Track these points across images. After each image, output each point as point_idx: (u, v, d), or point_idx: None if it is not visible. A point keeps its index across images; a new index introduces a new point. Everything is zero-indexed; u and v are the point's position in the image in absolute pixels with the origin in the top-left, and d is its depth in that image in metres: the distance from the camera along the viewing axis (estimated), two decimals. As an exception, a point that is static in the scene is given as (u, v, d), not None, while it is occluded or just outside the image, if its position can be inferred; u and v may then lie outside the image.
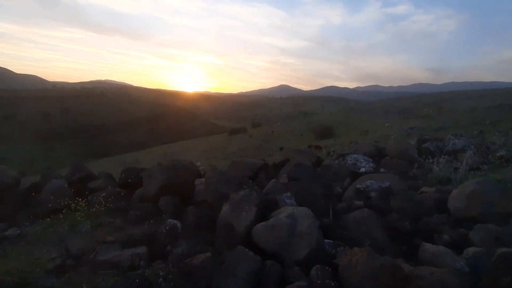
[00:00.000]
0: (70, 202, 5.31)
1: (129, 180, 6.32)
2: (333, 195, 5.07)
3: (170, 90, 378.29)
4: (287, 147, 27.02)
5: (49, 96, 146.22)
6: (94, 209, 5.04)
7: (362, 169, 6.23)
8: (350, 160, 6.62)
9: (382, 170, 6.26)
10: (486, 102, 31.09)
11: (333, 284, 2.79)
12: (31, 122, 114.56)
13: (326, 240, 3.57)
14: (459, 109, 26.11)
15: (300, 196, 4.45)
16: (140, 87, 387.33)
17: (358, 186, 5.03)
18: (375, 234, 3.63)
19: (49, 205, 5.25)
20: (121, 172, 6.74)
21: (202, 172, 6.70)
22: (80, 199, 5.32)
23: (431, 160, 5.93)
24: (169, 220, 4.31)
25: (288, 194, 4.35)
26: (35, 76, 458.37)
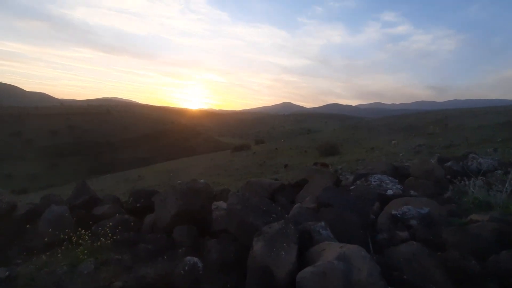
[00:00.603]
0: (71, 234, 4.69)
1: (138, 205, 5.74)
2: (370, 224, 4.39)
3: (175, 107, 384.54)
4: (292, 164, 26.74)
5: (56, 114, 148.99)
6: (99, 243, 4.47)
7: (389, 191, 5.48)
8: (375, 181, 5.84)
9: (412, 192, 5.45)
10: (492, 119, 30.82)
11: None
12: (37, 139, 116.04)
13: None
14: (466, 126, 25.84)
15: (335, 226, 3.85)
16: (146, 104, 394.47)
17: (394, 213, 4.31)
18: (433, 276, 2.94)
19: (45, 239, 4.57)
20: (129, 195, 6.03)
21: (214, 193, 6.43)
22: (83, 230, 4.74)
23: (466, 182, 5.27)
24: (188, 258, 3.69)
25: (323, 223, 3.75)
26: (44, 94, 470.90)
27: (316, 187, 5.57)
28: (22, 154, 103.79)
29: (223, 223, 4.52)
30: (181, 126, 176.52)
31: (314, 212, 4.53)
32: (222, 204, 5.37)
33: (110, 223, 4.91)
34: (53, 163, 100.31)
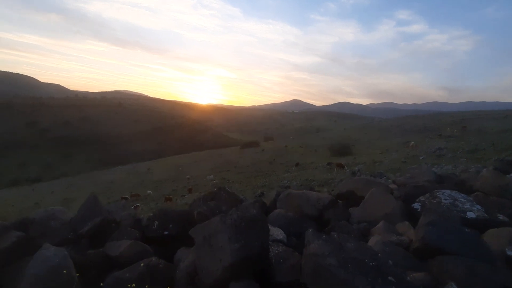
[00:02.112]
0: None
1: (166, 232, 4.35)
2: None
3: (184, 102, 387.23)
4: (303, 163, 26.52)
5: (70, 105, 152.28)
6: None
7: (470, 214, 4.12)
8: (445, 199, 4.48)
9: (501, 217, 4.11)
10: (513, 123, 29.69)
11: None
12: (52, 129, 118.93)
13: None
14: (488, 130, 24.95)
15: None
16: (156, 98, 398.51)
17: (510, 254, 3.07)
18: None
19: None
20: (153, 217, 4.56)
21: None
22: None
23: None
24: None
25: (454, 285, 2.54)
26: (59, 85, 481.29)
27: (377, 205, 4.40)
28: (37, 143, 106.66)
29: (290, 272, 3.11)
30: (191, 120, 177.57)
31: (414, 256, 3.21)
32: (276, 232, 3.86)
33: (132, 278, 3.28)
34: (66, 153, 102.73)
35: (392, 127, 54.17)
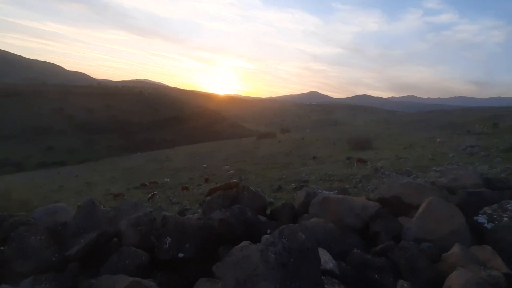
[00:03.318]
0: None
1: (181, 255, 3.34)
2: None
3: (202, 92, 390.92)
4: (320, 156, 26.01)
5: (93, 93, 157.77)
6: None
7: None
8: None
9: None
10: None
11: None
12: (76, 116, 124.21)
13: None
14: (523, 127, 23.22)
15: None
16: (175, 87, 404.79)
17: None
18: None
19: None
20: (164, 231, 3.57)
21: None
22: None
23: None
24: None
25: None
26: (83, 73, 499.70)
27: (438, 218, 3.48)
28: (63, 129, 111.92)
29: None
30: (208, 110, 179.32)
31: None
32: (322, 256, 2.82)
33: None
34: (89, 139, 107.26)
35: (415, 121, 51.88)
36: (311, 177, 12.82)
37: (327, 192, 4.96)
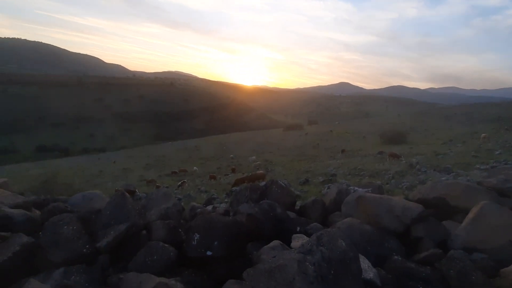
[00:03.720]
0: None
1: (210, 253, 3.16)
2: None
3: (230, 83, 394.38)
4: (350, 150, 25.19)
5: (129, 84, 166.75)
6: None
7: None
8: None
9: None
10: None
11: None
12: (114, 106, 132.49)
13: None
14: None
15: None
16: (204, 78, 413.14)
17: None
18: None
19: None
20: (193, 226, 3.36)
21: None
22: None
23: None
24: None
25: None
26: (119, 66, 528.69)
27: (494, 226, 3.11)
28: (102, 118, 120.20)
29: None
30: (236, 101, 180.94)
31: None
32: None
33: None
34: (125, 128, 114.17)
35: (456, 115, 47.96)
36: (339, 171, 12.47)
37: (361, 189, 4.66)
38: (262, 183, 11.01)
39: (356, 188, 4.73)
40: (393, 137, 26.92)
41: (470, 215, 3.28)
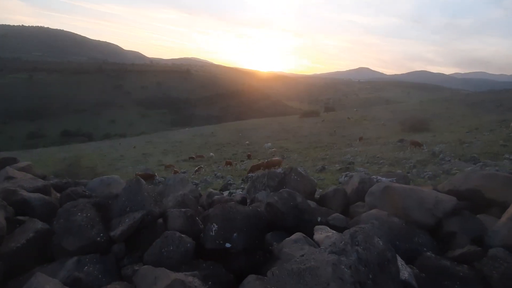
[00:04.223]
0: None
1: (228, 245, 2.98)
2: None
3: (246, 69, 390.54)
4: (368, 137, 24.54)
5: (147, 71, 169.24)
6: None
7: None
8: None
9: None
10: None
11: None
12: (133, 92, 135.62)
13: None
14: None
15: None
16: (220, 65, 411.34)
17: None
18: None
19: None
20: (212, 215, 3.22)
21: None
22: None
23: None
24: None
25: None
26: (138, 52, 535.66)
27: None
28: (122, 104, 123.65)
29: None
30: (251, 88, 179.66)
31: None
32: None
33: None
34: (144, 114, 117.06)
35: (484, 101, 45.15)
36: (357, 159, 12.20)
37: (385, 179, 4.37)
38: (279, 170, 10.93)
39: (380, 177, 4.45)
40: (415, 125, 25.84)
41: (511, 209, 2.95)
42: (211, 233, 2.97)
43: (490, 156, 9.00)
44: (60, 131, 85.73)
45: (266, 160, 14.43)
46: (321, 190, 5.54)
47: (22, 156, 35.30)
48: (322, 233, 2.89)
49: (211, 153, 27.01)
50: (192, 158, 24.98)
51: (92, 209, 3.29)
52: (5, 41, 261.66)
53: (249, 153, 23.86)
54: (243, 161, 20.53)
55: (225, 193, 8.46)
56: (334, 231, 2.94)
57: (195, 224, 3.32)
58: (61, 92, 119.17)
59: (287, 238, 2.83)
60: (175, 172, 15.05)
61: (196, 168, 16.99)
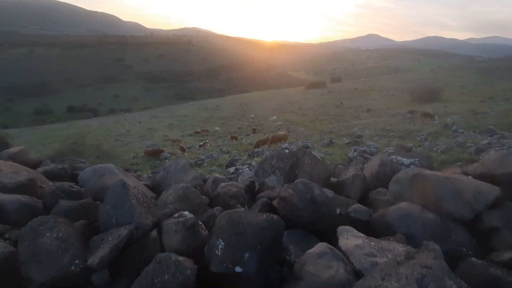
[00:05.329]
0: None
1: (239, 269, 2.37)
2: None
3: (249, 39, 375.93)
4: (376, 109, 23.94)
5: (148, 43, 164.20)
6: None
7: None
8: None
9: None
10: None
11: None
12: (135, 66, 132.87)
13: None
14: None
15: None
16: (222, 35, 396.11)
17: None
18: None
19: None
20: (216, 227, 2.67)
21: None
22: None
23: None
24: None
25: None
26: (137, 23, 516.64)
27: None
28: (125, 78, 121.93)
29: None
30: (255, 58, 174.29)
31: None
32: None
33: None
34: (147, 88, 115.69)
35: (498, 68, 43.12)
36: (365, 132, 11.92)
37: (406, 159, 3.93)
38: (285, 145, 10.75)
39: (400, 158, 4.10)
40: (425, 95, 24.97)
41: None
42: (216, 251, 2.38)
43: (507, 127, 8.62)
44: (65, 107, 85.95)
45: (271, 135, 14.24)
46: (329, 164, 5.26)
47: (30, 132, 35.80)
48: (349, 238, 2.42)
49: (216, 127, 26.86)
50: (198, 132, 24.91)
51: (66, 225, 2.59)
52: (0, 14, 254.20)
53: (254, 127, 23.63)
54: (249, 135, 20.39)
55: (231, 169, 8.42)
56: (363, 235, 2.48)
57: (197, 236, 2.68)
58: (62, 67, 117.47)
59: (309, 251, 2.30)
60: (181, 147, 15.03)
61: (202, 143, 16.95)
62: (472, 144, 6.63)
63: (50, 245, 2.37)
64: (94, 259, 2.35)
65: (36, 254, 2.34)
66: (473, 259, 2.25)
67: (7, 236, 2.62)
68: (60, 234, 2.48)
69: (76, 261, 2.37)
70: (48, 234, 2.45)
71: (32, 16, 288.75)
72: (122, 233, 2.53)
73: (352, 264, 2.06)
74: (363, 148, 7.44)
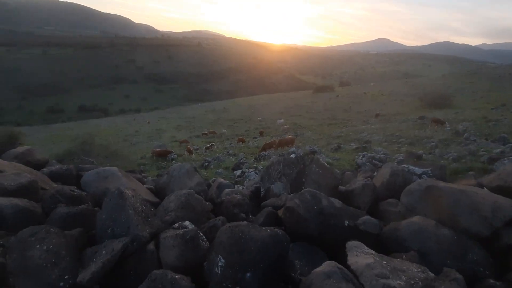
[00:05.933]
0: None
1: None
2: None
3: (258, 42, 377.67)
4: (385, 114, 23.63)
5: (158, 45, 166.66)
6: None
7: None
8: None
9: None
10: None
11: None
12: (145, 67, 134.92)
13: None
14: None
15: None
16: (231, 38, 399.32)
17: None
18: None
19: None
20: (217, 243, 2.51)
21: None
22: None
23: None
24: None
25: None
26: (148, 26, 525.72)
27: None
28: (135, 79, 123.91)
29: None
30: (263, 62, 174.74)
31: None
32: None
33: None
34: (157, 89, 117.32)
35: (511, 75, 42.14)
36: (373, 137, 11.76)
37: (418, 168, 3.81)
38: (292, 149, 10.69)
39: (412, 167, 3.97)
40: (436, 100, 24.52)
41: None
42: (216, 269, 2.26)
43: (521, 135, 8.40)
44: (77, 106, 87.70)
45: (278, 138, 14.19)
46: (338, 172, 5.15)
47: (41, 131, 36.56)
48: (359, 255, 2.26)
49: (224, 129, 26.96)
50: (205, 134, 25.04)
51: (58, 237, 2.46)
52: (16, 15, 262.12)
53: (261, 129, 23.63)
54: (256, 138, 20.38)
55: (237, 172, 8.41)
56: (373, 252, 2.32)
57: (197, 250, 2.54)
58: (75, 67, 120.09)
59: (317, 270, 2.09)
60: (188, 149, 15.12)
61: (208, 145, 17.01)
62: (484, 152, 6.45)
63: (39, 259, 2.26)
64: (84, 276, 2.21)
65: (24, 267, 2.23)
66: (491, 281, 2.14)
67: (1, 242, 2.52)
68: (51, 246, 2.36)
69: (66, 277, 2.24)
70: (38, 246, 2.33)
71: (47, 17, 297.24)
72: (116, 247, 2.39)
73: (363, 286, 1.94)
74: (372, 154, 7.31)
